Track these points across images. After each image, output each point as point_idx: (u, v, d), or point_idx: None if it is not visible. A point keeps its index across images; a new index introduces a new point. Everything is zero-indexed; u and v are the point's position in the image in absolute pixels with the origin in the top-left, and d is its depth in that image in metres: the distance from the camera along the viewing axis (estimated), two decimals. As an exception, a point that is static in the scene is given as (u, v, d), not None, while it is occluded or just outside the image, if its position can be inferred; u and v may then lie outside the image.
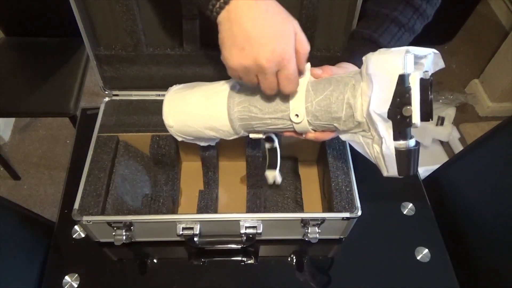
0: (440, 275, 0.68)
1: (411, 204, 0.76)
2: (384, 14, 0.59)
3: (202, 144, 0.65)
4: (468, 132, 1.69)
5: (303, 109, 0.51)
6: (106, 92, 0.76)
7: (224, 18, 0.43)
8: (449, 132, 1.60)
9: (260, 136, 0.58)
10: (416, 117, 0.45)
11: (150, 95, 0.77)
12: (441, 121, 1.63)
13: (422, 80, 0.45)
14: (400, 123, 0.46)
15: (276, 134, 0.62)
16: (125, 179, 0.71)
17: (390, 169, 0.51)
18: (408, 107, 0.44)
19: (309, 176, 0.81)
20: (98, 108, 0.76)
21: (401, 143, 0.47)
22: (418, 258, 0.70)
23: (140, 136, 0.73)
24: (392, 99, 0.45)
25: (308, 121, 0.51)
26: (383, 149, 0.48)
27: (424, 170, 0.95)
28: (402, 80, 0.44)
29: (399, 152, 0.48)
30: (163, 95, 0.77)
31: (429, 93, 0.44)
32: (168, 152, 0.73)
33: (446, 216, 0.80)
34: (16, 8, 1.26)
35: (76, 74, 1.28)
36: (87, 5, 0.63)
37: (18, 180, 1.55)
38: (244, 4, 0.42)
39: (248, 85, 0.50)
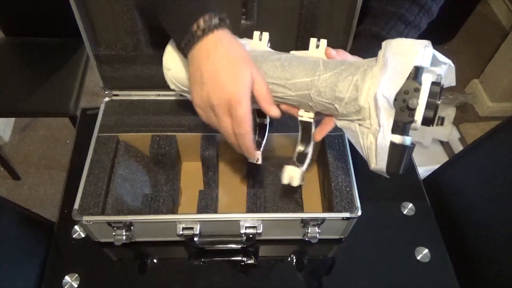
0: (440, 275, 0.68)
1: (411, 204, 0.76)
2: (391, 12, 0.59)
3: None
4: (468, 132, 1.69)
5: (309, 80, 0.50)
6: (106, 92, 0.76)
7: (191, 57, 0.47)
8: (449, 132, 1.61)
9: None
10: (419, 115, 0.44)
11: (150, 95, 0.77)
12: (441, 121, 1.62)
13: (433, 83, 0.44)
14: (402, 115, 0.45)
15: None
16: (125, 179, 0.71)
17: (379, 162, 0.49)
18: (415, 100, 0.44)
19: (309, 176, 0.81)
20: (98, 108, 0.76)
21: (398, 137, 0.46)
22: (418, 258, 0.70)
23: (140, 136, 0.73)
24: (402, 88, 0.44)
25: (310, 94, 0.50)
26: (378, 139, 0.47)
27: (424, 170, 0.95)
28: (417, 73, 0.44)
29: (393, 146, 0.47)
30: (163, 95, 0.77)
31: (437, 98, 0.44)
32: (168, 152, 0.73)
33: (446, 216, 0.80)
34: (16, 8, 1.26)
35: (76, 74, 1.28)
36: (87, 5, 0.63)
37: (18, 180, 1.55)
38: (206, 47, 0.45)
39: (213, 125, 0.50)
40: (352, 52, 0.60)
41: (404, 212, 0.75)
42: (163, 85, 0.76)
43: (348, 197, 0.66)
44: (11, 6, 1.25)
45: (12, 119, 1.71)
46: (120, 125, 0.73)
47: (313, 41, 0.53)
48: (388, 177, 0.49)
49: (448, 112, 1.68)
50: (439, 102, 0.44)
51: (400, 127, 0.46)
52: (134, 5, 0.64)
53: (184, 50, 0.48)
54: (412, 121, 0.45)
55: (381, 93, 0.45)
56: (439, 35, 2.02)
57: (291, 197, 0.76)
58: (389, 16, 0.59)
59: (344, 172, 0.68)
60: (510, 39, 1.67)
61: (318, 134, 0.56)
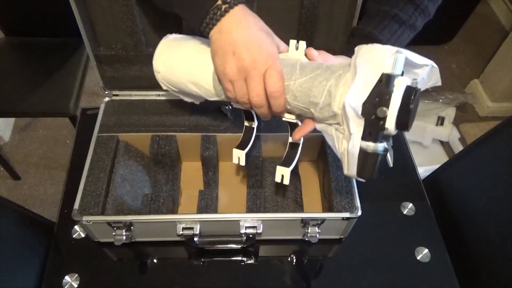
0: (440, 275, 0.68)
1: (411, 204, 0.76)
2: (385, 11, 0.59)
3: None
4: (468, 132, 1.69)
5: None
6: (106, 92, 0.76)
7: (216, 32, 0.48)
8: (449, 132, 1.60)
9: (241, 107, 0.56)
10: (390, 123, 0.44)
11: (150, 95, 0.77)
12: (441, 121, 1.63)
13: (408, 87, 0.43)
14: (373, 123, 0.45)
15: (258, 118, 0.63)
16: (125, 179, 0.71)
17: (350, 168, 0.50)
18: (384, 109, 0.43)
19: (309, 176, 0.81)
20: (98, 108, 0.76)
21: (369, 144, 0.46)
22: (418, 258, 0.70)
23: (140, 136, 0.73)
24: (370, 97, 0.44)
25: (287, 99, 0.51)
26: (349, 146, 0.47)
27: (424, 170, 0.95)
28: (387, 80, 0.43)
29: (364, 153, 0.47)
30: (163, 95, 0.77)
31: (411, 102, 0.43)
32: (168, 152, 0.73)
33: (446, 216, 0.80)
34: (16, 8, 1.26)
35: (76, 74, 1.28)
36: (87, 5, 0.63)
37: (18, 180, 1.55)
38: (233, 20, 0.47)
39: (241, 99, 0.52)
40: (345, 52, 0.60)
41: (404, 212, 0.75)
42: (163, 85, 0.76)
43: (348, 197, 0.66)
44: (11, 6, 1.25)
45: (12, 119, 1.71)
46: (120, 125, 0.73)
47: (292, 42, 0.53)
48: (364, 180, 0.51)
49: (448, 112, 1.68)
50: (412, 106, 0.43)
51: (372, 134, 0.45)
52: (134, 5, 0.64)
53: (206, 28, 0.49)
54: (383, 129, 0.44)
55: (348, 102, 0.45)
56: (439, 35, 2.02)
57: (291, 197, 0.76)
58: (382, 16, 0.59)
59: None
60: (510, 39, 1.67)
61: (297, 134, 0.57)
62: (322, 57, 0.54)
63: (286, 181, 0.61)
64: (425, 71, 0.47)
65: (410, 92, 0.43)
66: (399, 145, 0.84)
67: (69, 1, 0.61)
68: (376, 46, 0.45)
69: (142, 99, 0.77)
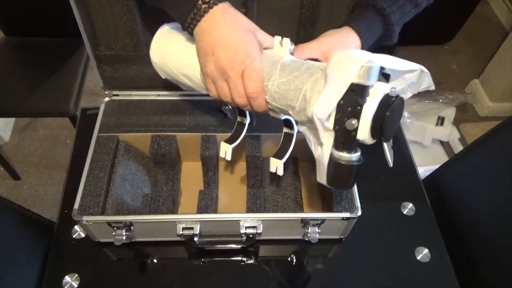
0: (440, 275, 0.68)
1: (411, 204, 0.76)
2: None
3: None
4: (468, 132, 1.69)
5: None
6: (106, 92, 0.76)
7: (198, 32, 0.49)
8: (449, 132, 1.60)
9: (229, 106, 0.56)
10: (363, 134, 0.43)
11: (150, 95, 0.77)
12: (441, 121, 1.63)
13: (385, 97, 0.42)
14: (345, 134, 0.44)
15: (251, 114, 0.62)
16: (125, 179, 0.71)
17: (322, 176, 0.49)
18: (353, 121, 0.42)
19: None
20: (98, 108, 0.76)
21: (342, 155, 0.45)
22: (418, 258, 0.70)
23: (140, 136, 0.73)
24: (343, 107, 0.42)
25: (266, 99, 0.50)
26: (320, 154, 0.46)
27: (424, 170, 0.95)
28: (358, 90, 0.41)
29: (336, 164, 0.45)
30: (163, 95, 0.77)
31: (387, 111, 0.41)
32: (168, 152, 0.73)
33: (446, 216, 0.80)
34: (16, 8, 1.26)
35: (76, 74, 1.28)
36: (87, 5, 0.63)
37: (18, 180, 1.55)
38: (212, 20, 0.47)
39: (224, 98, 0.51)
40: (348, 23, 0.58)
41: (404, 212, 0.75)
42: (163, 85, 0.76)
43: (348, 197, 0.66)
44: (11, 6, 1.25)
45: (12, 119, 1.71)
46: (120, 125, 0.73)
47: (276, 39, 0.52)
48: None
49: (448, 112, 1.67)
50: (388, 116, 0.41)
51: (344, 144, 0.44)
52: (134, 5, 0.64)
53: (189, 28, 0.49)
54: (355, 139, 0.43)
55: (315, 112, 0.44)
56: (439, 35, 2.02)
57: (291, 197, 0.76)
58: None
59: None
60: (510, 39, 1.67)
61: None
62: (299, 50, 0.53)
63: (280, 172, 0.60)
64: (414, 75, 0.46)
65: (387, 102, 0.41)
66: (399, 145, 0.84)
67: (69, 1, 0.61)
68: (349, 55, 0.43)
69: (142, 99, 0.77)
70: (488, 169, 0.77)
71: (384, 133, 0.42)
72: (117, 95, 0.77)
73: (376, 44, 0.59)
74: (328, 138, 0.45)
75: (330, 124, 0.44)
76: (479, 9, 1.95)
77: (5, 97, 1.22)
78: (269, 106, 0.52)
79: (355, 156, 0.45)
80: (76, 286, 0.64)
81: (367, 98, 0.42)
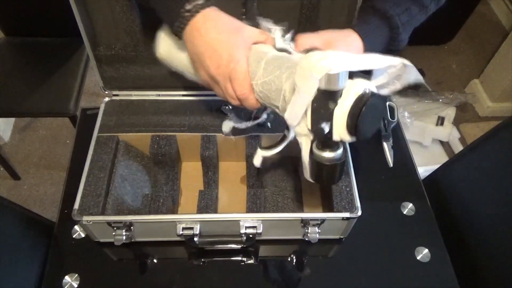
0: (440, 275, 0.68)
1: (411, 204, 0.76)
2: None
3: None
4: (468, 132, 1.69)
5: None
6: (106, 92, 0.76)
7: (186, 40, 0.50)
8: (449, 132, 1.60)
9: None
10: (338, 134, 0.43)
11: (150, 95, 0.77)
12: (441, 121, 1.63)
13: (360, 96, 0.42)
14: (320, 135, 0.44)
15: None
16: (125, 179, 0.71)
17: (306, 174, 0.50)
18: (322, 126, 0.42)
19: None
20: (98, 108, 0.76)
21: (323, 154, 0.45)
22: (418, 258, 0.70)
23: (140, 136, 0.73)
24: (316, 109, 0.43)
25: (255, 98, 0.50)
26: (302, 154, 0.47)
27: (424, 170, 0.95)
28: (328, 95, 0.42)
29: (317, 164, 0.46)
30: (163, 95, 0.77)
31: (361, 110, 0.41)
32: (168, 152, 0.73)
33: (446, 216, 0.80)
34: (16, 8, 1.26)
35: (76, 74, 1.28)
36: (87, 5, 0.63)
37: (18, 180, 1.55)
38: (196, 25, 0.48)
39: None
40: (355, 27, 0.57)
41: (404, 212, 0.75)
42: (163, 85, 0.76)
43: (348, 197, 0.66)
44: (11, 6, 1.25)
45: (12, 119, 1.71)
46: (120, 125, 0.73)
47: (277, 33, 0.52)
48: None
49: (448, 112, 1.67)
50: (363, 110, 0.41)
51: (324, 144, 0.45)
52: (134, 5, 0.64)
53: (178, 35, 0.50)
54: (330, 140, 0.44)
55: (286, 118, 0.44)
56: (439, 35, 2.02)
57: (291, 197, 0.76)
58: None
59: (344, 172, 0.68)
60: (510, 39, 1.67)
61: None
62: (299, 39, 0.53)
63: (256, 162, 0.60)
64: (397, 69, 0.46)
65: (361, 101, 0.41)
66: (399, 145, 0.84)
67: (69, 1, 0.61)
68: (313, 62, 0.42)
69: (142, 99, 0.77)
70: (488, 169, 0.77)
71: (360, 132, 0.42)
72: (117, 95, 0.77)
73: (384, 48, 0.58)
74: (306, 141, 0.46)
75: (308, 125, 0.45)
76: (479, 9, 1.95)
77: (5, 97, 1.22)
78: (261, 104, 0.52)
79: (337, 154, 0.46)
80: (76, 286, 0.64)
81: (340, 100, 0.42)
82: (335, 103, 0.42)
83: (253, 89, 0.50)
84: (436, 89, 1.80)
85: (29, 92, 1.22)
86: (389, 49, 0.58)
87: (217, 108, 0.76)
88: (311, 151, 0.48)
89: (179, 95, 0.77)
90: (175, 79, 0.73)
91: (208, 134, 0.73)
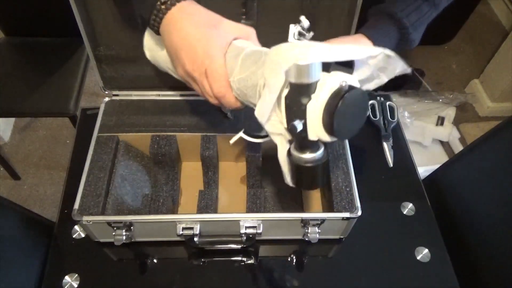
0: (440, 275, 0.68)
1: (411, 204, 0.76)
2: None
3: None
4: (468, 132, 1.69)
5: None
6: (106, 92, 0.76)
7: (162, 34, 0.48)
8: (449, 132, 1.60)
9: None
10: (314, 132, 0.39)
11: (150, 95, 0.77)
12: (441, 121, 1.63)
13: (336, 91, 0.38)
14: (295, 135, 0.40)
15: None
16: (125, 179, 0.71)
17: (286, 177, 0.46)
18: (294, 123, 0.39)
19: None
20: (98, 108, 0.76)
21: (302, 156, 0.42)
22: (418, 258, 0.70)
23: (140, 136, 0.73)
24: (289, 106, 0.39)
25: (234, 96, 0.48)
26: (278, 155, 0.44)
27: (424, 170, 0.95)
28: (300, 89, 0.38)
29: (296, 166, 0.43)
30: (163, 95, 0.77)
31: (337, 105, 0.37)
32: (168, 152, 0.73)
33: (446, 216, 0.80)
34: (16, 8, 1.26)
35: (76, 74, 1.28)
36: (87, 5, 0.63)
37: (18, 180, 1.55)
38: (171, 19, 0.46)
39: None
40: (363, 30, 0.57)
41: (404, 212, 0.75)
42: (163, 85, 0.76)
43: (348, 197, 0.66)
44: (11, 6, 1.25)
45: (12, 119, 1.71)
46: (120, 125, 0.73)
47: (293, 30, 0.48)
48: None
49: (448, 112, 1.67)
50: (339, 104, 0.37)
51: (302, 146, 0.42)
52: (134, 5, 0.64)
53: (154, 28, 0.48)
54: (307, 140, 0.40)
55: (256, 116, 0.41)
56: (439, 35, 2.02)
57: (291, 197, 0.76)
58: None
59: (344, 172, 0.68)
60: (510, 39, 1.67)
61: None
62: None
63: (231, 140, 0.57)
64: (378, 60, 0.43)
65: (336, 97, 0.37)
66: (399, 145, 0.84)
67: (69, 1, 0.61)
68: (282, 52, 0.39)
69: (142, 99, 0.77)
70: (488, 169, 0.77)
71: (338, 130, 0.38)
72: (117, 95, 0.77)
73: (396, 49, 0.57)
74: (281, 141, 0.43)
75: (284, 123, 0.42)
76: (479, 9, 1.95)
77: (5, 97, 1.22)
78: (241, 103, 0.49)
79: (318, 154, 0.42)
80: (76, 286, 0.64)
81: (314, 95, 0.38)
82: (308, 98, 0.38)
83: (231, 87, 0.47)
84: (436, 89, 1.80)
85: (29, 92, 1.22)
86: (401, 49, 0.57)
87: (217, 108, 0.76)
88: (289, 153, 0.44)
89: (179, 95, 0.77)
90: (175, 79, 0.73)
91: (208, 134, 0.73)
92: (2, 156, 1.47)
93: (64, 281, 0.64)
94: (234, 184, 0.80)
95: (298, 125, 0.39)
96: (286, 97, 0.40)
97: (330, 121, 0.38)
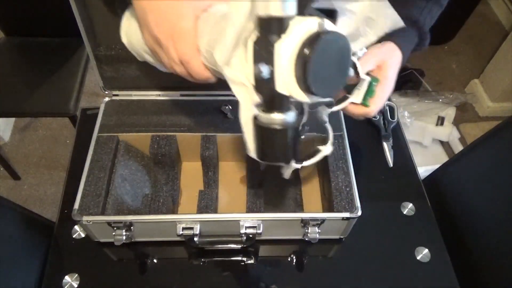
0: (440, 275, 0.68)
1: (411, 204, 0.76)
2: None
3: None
4: (468, 132, 1.69)
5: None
6: (106, 92, 0.76)
7: (135, 3, 0.44)
8: (449, 132, 1.60)
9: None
10: (282, 82, 0.32)
11: (150, 95, 0.77)
12: (441, 121, 1.63)
13: (313, 33, 0.32)
14: (262, 86, 0.34)
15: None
16: (125, 179, 0.71)
17: (249, 146, 0.39)
18: (261, 66, 0.32)
19: (309, 176, 0.81)
20: (98, 108, 0.76)
21: (267, 116, 0.35)
22: (418, 258, 0.70)
23: (140, 136, 0.73)
24: (257, 53, 0.33)
25: (203, 63, 0.42)
26: (240, 117, 0.37)
27: (424, 170, 0.95)
28: (269, 25, 0.32)
29: (260, 129, 0.36)
30: (163, 95, 0.77)
31: (311, 49, 0.31)
32: (168, 152, 0.73)
33: (446, 216, 0.80)
34: (16, 8, 1.26)
35: (76, 74, 1.28)
36: (87, 5, 0.63)
37: (18, 180, 1.55)
38: None
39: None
40: (386, 38, 0.55)
41: (404, 212, 0.75)
42: (163, 85, 0.76)
43: (348, 197, 0.66)
44: (11, 6, 1.25)
45: (12, 119, 1.71)
46: (120, 125, 0.73)
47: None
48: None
49: (448, 112, 1.67)
50: (311, 54, 0.31)
51: (269, 102, 0.35)
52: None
53: None
54: (275, 92, 0.33)
55: (216, 59, 0.35)
56: (439, 35, 2.02)
57: (291, 197, 0.76)
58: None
59: (344, 172, 0.68)
60: (510, 39, 1.67)
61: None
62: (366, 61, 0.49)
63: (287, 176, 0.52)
64: (364, 6, 0.38)
65: (310, 40, 0.31)
66: (399, 145, 0.84)
67: (69, 1, 0.61)
68: None
69: (142, 99, 0.77)
70: (488, 169, 0.77)
71: (313, 82, 0.32)
72: (117, 95, 0.77)
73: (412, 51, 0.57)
74: (244, 94, 0.36)
75: (249, 76, 0.35)
76: (479, 9, 1.95)
77: (5, 97, 1.22)
78: (211, 73, 0.43)
79: (288, 116, 0.35)
80: (76, 286, 0.64)
81: (284, 35, 0.32)
82: (278, 37, 0.32)
83: (200, 52, 0.41)
84: (436, 89, 1.80)
85: (29, 92, 1.22)
86: (413, 52, 0.57)
87: (217, 108, 0.76)
88: (255, 118, 0.37)
89: (179, 95, 0.77)
90: (175, 79, 0.73)
91: (208, 134, 0.73)
92: (2, 156, 1.47)
93: (64, 281, 0.64)
94: (234, 184, 0.80)
95: (264, 69, 0.33)
96: (254, 42, 0.34)
97: (303, 69, 0.32)
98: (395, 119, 0.86)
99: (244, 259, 0.69)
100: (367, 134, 0.85)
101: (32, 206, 1.47)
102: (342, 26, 0.38)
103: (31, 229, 0.71)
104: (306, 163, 0.49)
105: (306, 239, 0.66)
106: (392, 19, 0.40)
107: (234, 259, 0.69)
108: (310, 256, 0.70)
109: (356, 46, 0.42)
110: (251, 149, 0.40)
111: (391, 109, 0.88)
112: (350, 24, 0.39)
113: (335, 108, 0.50)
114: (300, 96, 0.33)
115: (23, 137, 1.68)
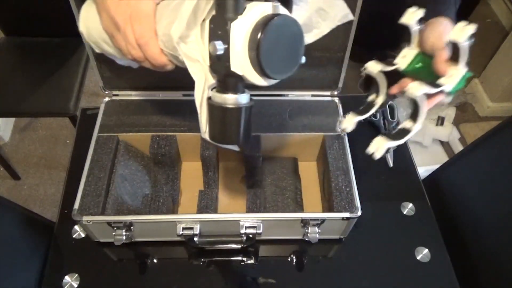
0: (440, 275, 0.68)
1: (411, 204, 0.76)
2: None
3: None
4: (468, 132, 1.69)
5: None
6: (106, 92, 0.76)
7: None
8: (449, 132, 1.60)
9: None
10: (239, 64, 0.33)
11: (150, 95, 0.77)
12: (441, 121, 1.63)
13: (266, 16, 0.33)
14: (217, 65, 0.34)
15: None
16: (125, 179, 0.71)
17: (204, 129, 0.39)
18: (216, 44, 0.33)
19: (309, 176, 0.81)
20: (98, 108, 0.76)
21: (221, 96, 0.36)
22: (418, 258, 0.70)
23: (140, 136, 0.73)
24: (213, 31, 0.33)
25: (159, 47, 0.42)
26: (195, 97, 0.37)
27: (424, 170, 0.95)
28: (225, 3, 0.33)
29: (215, 109, 0.36)
30: (163, 95, 0.77)
31: (263, 30, 0.32)
32: (168, 152, 0.73)
33: (446, 216, 0.80)
34: (16, 8, 1.26)
35: (76, 74, 1.28)
36: (87, 5, 0.63)
37: (18, 180, 1.55)
38: None
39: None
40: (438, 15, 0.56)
41: (404, 212, 0.75)
42: (163, 85, 0.76)
43: (348, 197, 0.66)
44: (11, 6, 1.25)
45: (12, 119, 1.72)
46: (120, 125, 0.73)
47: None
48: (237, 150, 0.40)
49: (448, 112, 1.68)
50: (262, 36, 0.32)
51: (223, 82, 0.35)
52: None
53: None
54: (229, 71, 0.34)
55: (172, 36, 0.35)
56: (439, 35, 2.02)
57: (291, 197, 0.76)
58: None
59: (344, 172, 0.68)
60: (510, 39, 1.67)
61: (394, 89, 0.52)
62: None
63: (379, 154, 0.51)
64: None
65: (263, 22, 0.32)
66: (399, 145, 0.83)
67: (69, 1, 0.61)
68: None
69: (142, 99, 0.77)
70: (488, 169, 0.77)
71: (265, 63, 0.33)
72: (117, 95, 0.77)
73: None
74: (199, 73, 0.36)
75: (205, 57, 0.36)
76: (479, 9, 1.94)
77: (5, 97, 1.22)
78: (170, 57, 0.43)
79: (241, 97, 0.36)
80: (76, 286, 0.64)
81: (240, 16, 0.33)
82: (234, 16, 0.33)
83: (157, 36, 0.41)
84: (436, 89, 1.79)
85: (29, 92, 1.22)
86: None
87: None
88: (209, 98, 0.38)
89: (179, 95, 0.77)
90: (175, 79, 0.73)
91: (208, 134, 0.73)
92: (2, 156, 1.47)
93: (64, 281, 0.64)
94: (234, 184, 0.80)
95: (220, 46, 0.33)
96: (210, 20, 0.34)
97: (256, 50, 0.32)
98: (395, 119, 0.86)
99: (244, 259, 0.69)
100: (367, 134, 0.85)
101: (32, 206, 1.47)
102: (295, 16, 0.38)
103: (31, 229, 0.71)
104: (396, 142, 0.50)
105: (306, 239, 0.66)
106: (342, 10, 0.40)
107: (234, 259, 0.69)
108: (310, 256, 0.70)
109: (309, 39, 0.42)
110: (204, 130, 0.40)
111: (391, 109, 0.88)
112: (303, 15, 0.40)
113: (432, 90, 0.48)
114: (253, 76, 0.34)
115: (23, 137, 1.68)
